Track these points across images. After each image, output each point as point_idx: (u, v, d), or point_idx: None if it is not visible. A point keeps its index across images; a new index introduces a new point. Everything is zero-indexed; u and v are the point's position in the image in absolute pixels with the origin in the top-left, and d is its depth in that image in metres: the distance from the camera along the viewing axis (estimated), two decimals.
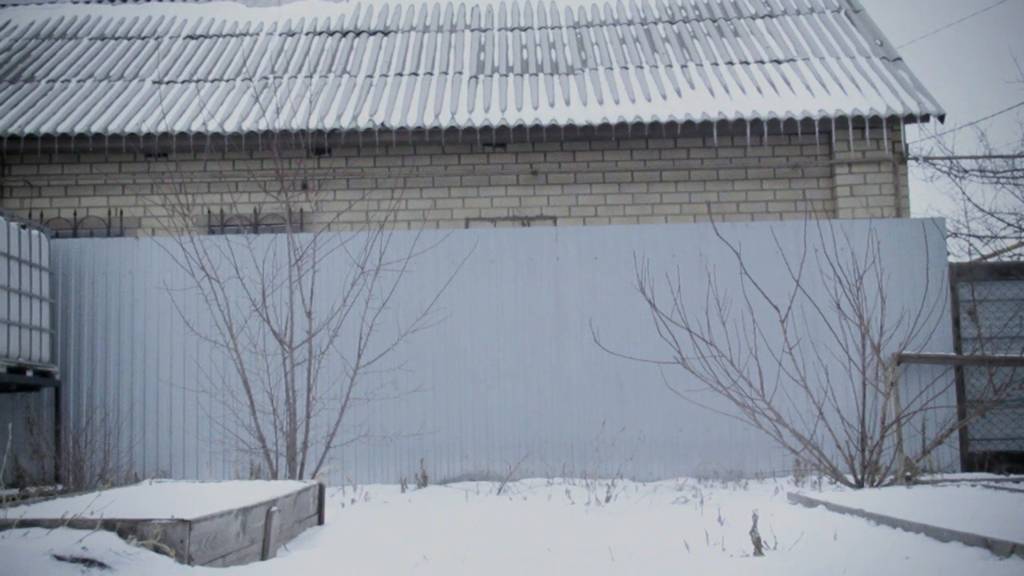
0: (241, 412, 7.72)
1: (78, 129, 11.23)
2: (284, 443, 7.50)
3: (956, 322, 9.03)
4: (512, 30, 13.67)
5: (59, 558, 3.49)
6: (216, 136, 11.07)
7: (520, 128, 11.04)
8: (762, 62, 12.30)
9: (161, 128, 11.19)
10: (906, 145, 11.37)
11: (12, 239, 8.43)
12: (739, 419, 7.41)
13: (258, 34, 13.83)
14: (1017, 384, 7.95)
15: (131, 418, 8.96)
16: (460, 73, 12.46)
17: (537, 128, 11.04)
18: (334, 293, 8.14)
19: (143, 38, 13.85)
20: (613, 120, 11.00)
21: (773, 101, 11.29)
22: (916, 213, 13.45)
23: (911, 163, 11.88)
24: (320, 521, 6.20)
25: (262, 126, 11.00)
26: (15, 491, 7.80)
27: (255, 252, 8.23)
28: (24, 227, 8.74)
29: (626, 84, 11.94)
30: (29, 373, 8.48)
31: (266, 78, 12.41)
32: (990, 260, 12.01)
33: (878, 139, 11.14)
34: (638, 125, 10.98)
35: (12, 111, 11.80)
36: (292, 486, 5.83)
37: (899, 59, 12.22)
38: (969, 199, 16.95)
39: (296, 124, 10.71)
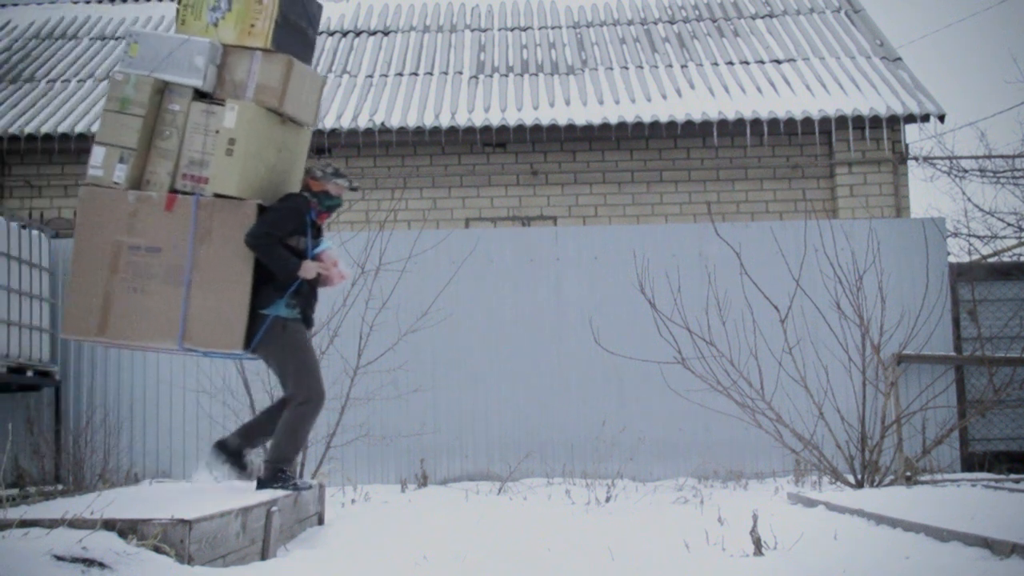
0: (241, 412, 7.72)
1: (78, 129, 11.22)
2: None
3: (956, 322, 9.03)
4: (512, 30, 13.67)
5: (59, 558, 3.49)
6: None
7: (520, 128, 11.04)
8: (762, 62, 12.30)
9: None
10: (906, 145, 11.37)
11: (12, 239, 8.43)
12: (739, 419, 7.42)
13: None
14: (1017, 384, 7.95)
15: (131, 418, 8.96)
16: (460, 73, 12.46)
17: (537, 128, 11.04)
18: (334, 293, 8.12)
19: None
20: (613, 120, 11.00)
21: (773, 101, 11.29)
22: (916, 213, 13.41)
23: (911, 163, 11.86)
24: (320, 521, 6.20)
25: None
26: (15, 491, 7.80)
27: None
28: (24, 227, 8.75)
29: (626, 84, 11.94)
30: (29, 373, 8.49)
31: None
32: (990, 260, 12.00)
33: (878, 139, 11.13)
34: (638, 125, 10.98)
35: (12, 111, 11.80)
36: None
37: (899, 59, 12.22)
38: (969, 199, 16.83)
39: None
